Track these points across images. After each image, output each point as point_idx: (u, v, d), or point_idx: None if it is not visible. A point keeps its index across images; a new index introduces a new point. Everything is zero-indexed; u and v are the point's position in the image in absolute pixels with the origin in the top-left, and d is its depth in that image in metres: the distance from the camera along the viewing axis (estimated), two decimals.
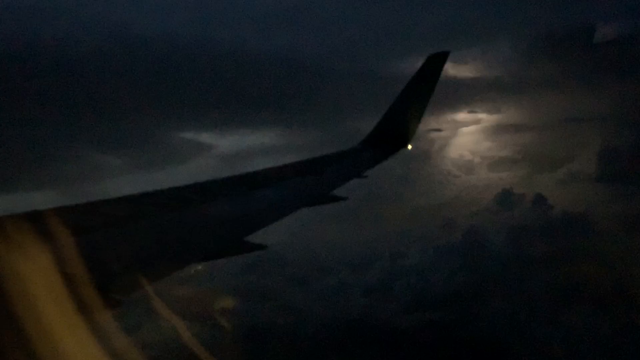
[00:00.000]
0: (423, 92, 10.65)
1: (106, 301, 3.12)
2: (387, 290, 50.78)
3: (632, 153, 56.17)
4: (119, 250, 4.09)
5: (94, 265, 3.43)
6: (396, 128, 10.97)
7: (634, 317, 39.73)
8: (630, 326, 39.07)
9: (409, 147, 10.89)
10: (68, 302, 2.88)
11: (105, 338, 3.15)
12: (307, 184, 7.53)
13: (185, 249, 4.57)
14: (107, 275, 3.52)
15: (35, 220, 3.89)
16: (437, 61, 10.44)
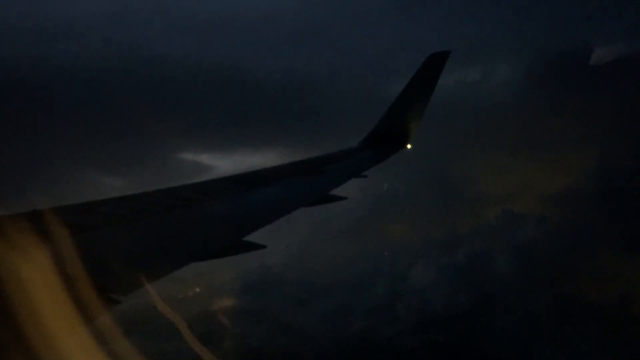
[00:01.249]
0: (424, 91, 10.68)
1: (105, 300, 3.10)
2: (389, 311, 50.16)
3: (630, 172, 56.47)
4: (117, 249, 4.06)
5: (92, 265, 3.40)
6: (396, 127, 10.97)
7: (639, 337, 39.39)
8: (635, 346, 38.69)
9: (409, 146, 10.89)
10: (67, 302, 2.87)
11: (104, 337, 3.11)
12: (306, 184, 7.51)
13: (184, 248, 4.53)
14: (105, 274, 3.48)
15: (34, 219, 3.87)
16: (437, 60, 10.51)
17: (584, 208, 56.66)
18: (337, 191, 7.12)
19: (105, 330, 3.20)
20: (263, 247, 4.86)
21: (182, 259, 4.16)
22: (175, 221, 4.99)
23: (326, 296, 51.52)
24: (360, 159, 10.11)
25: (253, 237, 5.08)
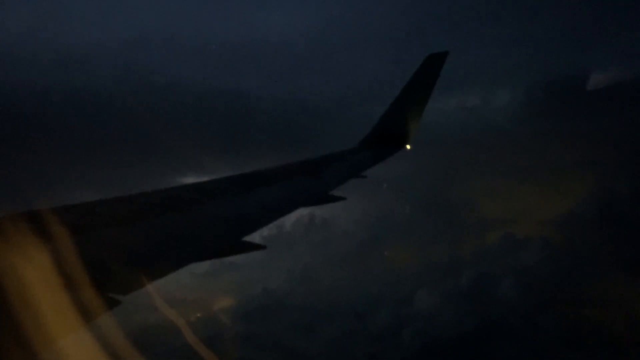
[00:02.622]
0: (422, 92, 10.73)
1: (105, 301, 3.08)
2: (394, 337, 49.31)
3: (630, 196, 56.46)
4: (117, 249, 4.04)
5: (92, 265, 3.40)
6: (395, 128, 10.99)
7: None
8: None
9: (408, 147, 10.90)
10: (66, 302, 2.85)
11: (104, 337, 3.09)
12: (305, 184, 7.49)
13: (183, 248, 4.50)
14: (105, 274, 3.46)
15: (34, 219, 3.86)
16: (436, 61, 10.51)
17: (584, 232, 56.43)
18: (336, 191, 7.12)
19: (106, 330, 3.17)
20: (263, 247, 4.82)
21: (182, 259, 4.13)
22: (174, 221, 4.97)
23: (330, 321, 50.78)
24: (359, 159, 10.08)
25: (255, 239, 5.05)
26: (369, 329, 51.02)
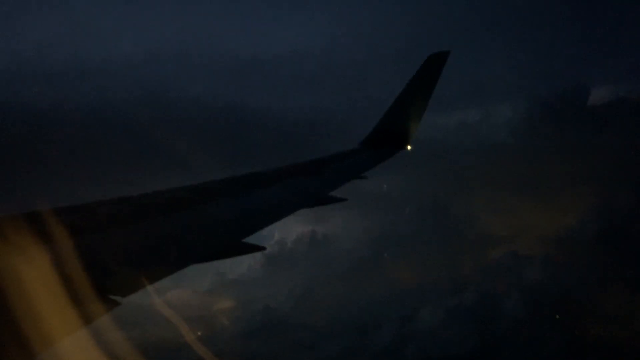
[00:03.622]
0: (423, 92, 10.70)
1: (105, 302, 3.07)
2: (398, 355, 48.69)
3: (630, 213, 56.35)
4: (117, 251, 4.02)
5: (92, 266, 3.39)
6: (396, 128, 10.98)
7: None
8: None
9: (409, 147, 10.87)
10: (66, 302, 2.85)
11: (104, 338, 3.07)
12: (306, 185, 7.47)
13: (183, 249, 4.48)
14: (105, 275, 3.45)
15: (34, 220, 3.85)
16: (437, 61, 10.42)
17: (587, 248, 56.18)
18: (337, 192, 7.10)
19: (105, 331, 3.15)
20: (263, 248, 4.80)
21: (182, 260, 4.11)
22: (174, 222, 4.95)
23: (332, 338, 50.14)
24: (360, 160, 10.06)
25: (255, 240, 5.01)
26: (372, 346, 50.41)
